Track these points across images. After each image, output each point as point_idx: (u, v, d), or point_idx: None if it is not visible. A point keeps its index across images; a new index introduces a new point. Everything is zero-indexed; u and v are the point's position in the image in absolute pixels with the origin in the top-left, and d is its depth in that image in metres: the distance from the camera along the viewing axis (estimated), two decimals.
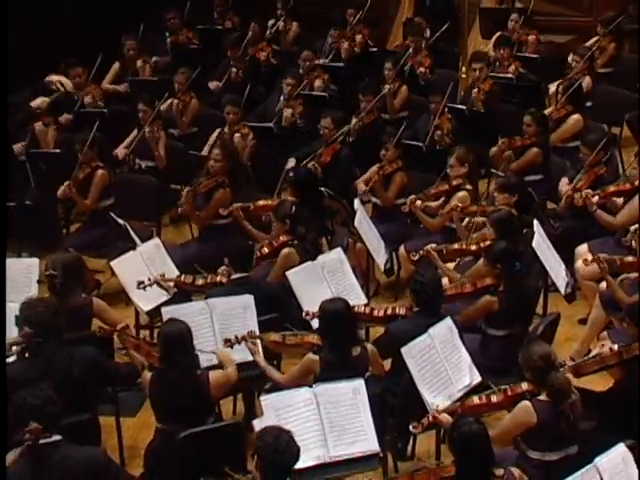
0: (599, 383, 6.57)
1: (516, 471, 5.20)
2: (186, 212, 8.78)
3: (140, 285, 7.21)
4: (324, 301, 6.42)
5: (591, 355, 6.23)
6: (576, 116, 9.65)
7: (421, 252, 7.73)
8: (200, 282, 7.35)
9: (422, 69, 11.17)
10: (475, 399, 5.96)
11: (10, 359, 6.01)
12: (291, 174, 8.94)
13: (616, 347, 6.17)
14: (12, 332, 6.17)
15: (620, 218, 8.08)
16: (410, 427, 5.85)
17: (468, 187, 8.55)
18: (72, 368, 5.82)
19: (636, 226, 7.58)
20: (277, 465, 4.86)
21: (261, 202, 8.52)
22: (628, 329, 6.28)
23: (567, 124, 9.66)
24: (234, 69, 11.25)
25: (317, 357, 6.16)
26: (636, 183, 8.14)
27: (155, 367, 6.09)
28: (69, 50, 11.03)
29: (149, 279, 7.22)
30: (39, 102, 8.96)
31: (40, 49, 11.02)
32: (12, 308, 6.32)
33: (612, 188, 8.25)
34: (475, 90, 10.28)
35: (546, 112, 9.78)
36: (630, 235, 7.56)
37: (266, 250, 7.76)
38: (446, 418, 5.72)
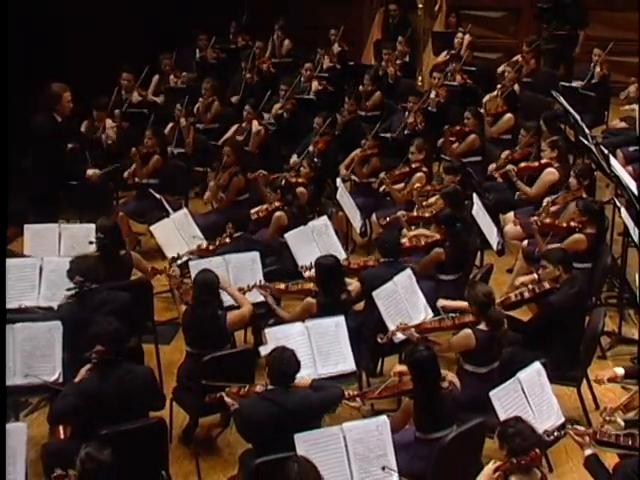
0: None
1: (455, 379, 5.19)
2: (212, 199, 8.63)
3: (174, 260, 7.04)
4: (319, 257, 6.38)
5: (516, 292, 6.18)
6: (509, 115, 9.58)
7: (389, 218, 7.66)
8: (212, 247, 7.25)
9: (391, 69, 11.01)
10: (428, 322, 5.98)
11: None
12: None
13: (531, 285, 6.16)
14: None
15: (534, 189, 8.13)
16: (377, 338, 5.85)
17: (424, 169, 8.47)
18: (109, 308, 5.76)
19: (548, 199, 7.56)
20: (283, 373, 4.91)
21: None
22: (543, 272, 6.22)
23: (502, 120, 9.57)
24: (248, 75, 11.10)
25: (315, 300, 6.13)
26: (542, 161, 8.21)
27: (189, 303, 6.05)
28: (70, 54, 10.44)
29: (178, 254, 7.05)
30: (91, 173, 8.65)
31: (42, 50, 9.90)
32: None
33: (523, 164, 8.33)
34: (433, 94, 10.05)
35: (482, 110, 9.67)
36: (542, 209, 7.50)
37: (262, 214, 7.76)
38: (411, 332, 5.81)
